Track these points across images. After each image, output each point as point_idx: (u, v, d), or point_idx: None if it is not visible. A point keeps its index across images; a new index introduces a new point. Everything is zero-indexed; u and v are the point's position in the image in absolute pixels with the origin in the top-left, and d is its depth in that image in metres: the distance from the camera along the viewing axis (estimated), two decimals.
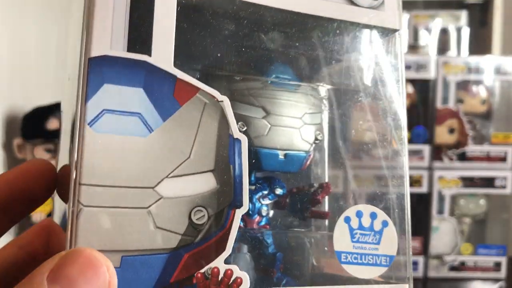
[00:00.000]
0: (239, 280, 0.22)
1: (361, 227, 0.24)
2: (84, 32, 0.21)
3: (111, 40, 0.21)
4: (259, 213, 0.27)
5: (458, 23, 1.41)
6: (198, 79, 0.22)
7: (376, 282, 0.25)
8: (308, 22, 0.25)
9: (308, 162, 0.27)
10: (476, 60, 1.10)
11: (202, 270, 0.22)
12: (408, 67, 1.09)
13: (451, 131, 1.11)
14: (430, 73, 1.09)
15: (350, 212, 0.25)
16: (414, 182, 1.11)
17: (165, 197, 0.21)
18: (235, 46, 0.25)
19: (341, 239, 0.24)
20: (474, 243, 1.14)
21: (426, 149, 1.11)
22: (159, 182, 0.21)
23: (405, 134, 0.26)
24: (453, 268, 1.13)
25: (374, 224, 0.25)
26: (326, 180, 0.29)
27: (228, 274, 0.22)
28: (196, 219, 0.22)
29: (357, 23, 0.25)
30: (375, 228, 0.25)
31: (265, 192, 0.27)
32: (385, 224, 0.25)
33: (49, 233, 0.26)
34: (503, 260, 1.13)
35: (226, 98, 0.23)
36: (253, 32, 0.25)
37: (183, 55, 0.23)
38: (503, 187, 1.10)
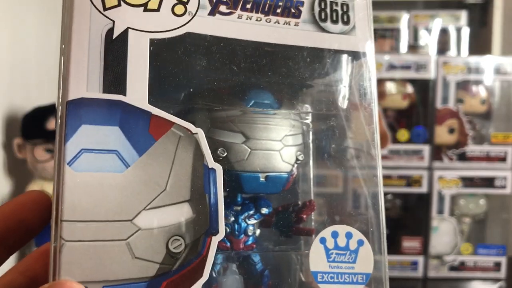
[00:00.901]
0: None
1: (336, 247, 0.25)
2: (61, 76, 0.22)
3: (87, 83, 0.22)
4: (245, 233, 0.27)
5: (458, 23, 1.41)
6: (176, 113, 0.23)
7: None
8: (279, 52, 0.25)
9: (290, 182, 0.28)
10: (476, 60, 1.10)
11: None
12: (408, 67, 1.09)
13: (451, 131, 1.11)
14: (430, 73, 1.09)
15: (326, 233, 0.25)
16: (414, 182, 1.11)
17: (142, 229, 0.22)
18: (208, 80, 0.26)
19: (317, 259, 0.25)
20: (474, 243, 1.14)
21: (426, 149, 1.11)
22: (137, 215, 0.22)
23: (379, 155, 0.26)
24: (453, 268, 1.13)
25: (350, 243, 0.25)
26: (312, 198, 0.29)
27: None
28: (173, 248, 0.22)
29: (327, 49, 0.26)
30: (351, 248, 0.25)
31: (251, 212, 0.27)
32: (360, 243, 0.25)
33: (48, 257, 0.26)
34: (503, 260, 1.13)
35: (201, 130, 0.23)
36: (225, 65, 0.26)
37: (158, 91, 0.23)
38: (503, 187, 1.10)
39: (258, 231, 0.28)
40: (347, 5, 0.27)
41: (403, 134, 1.11)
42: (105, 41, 0.22)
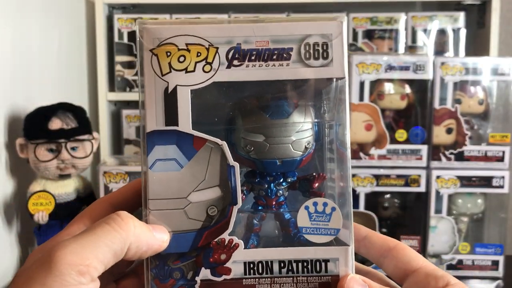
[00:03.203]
0: (237, 244, 0.37)
1: (316, 211, 0.38)
2: (142, 119, 0.37)
3: (156, 121, 0.36)
4: (276, 195, 0.40)
5: (456, 25, 1.42)
6: (208, 132, 0.37)
7: (327, 244, 0.38)
8: (275, 83, 0.38)
9: (305, 162, 0.40)
10: (474, 61, 1.11)
11: (215, 240, 0.37)
12: (406, 68, 1.10)
13: (449, 131, 1.12)
14: (428, 74, 1.10)
15: (309, 203, 0.38)
16: (412, 181, 1.12)
17: (192, 202, 0.37)
18: (230, 106, 0.40)
19: (302, 219, 0.38)
20: (471, 242, 1.15)
21: (424, 149, 1.12)
22: (189, 194, 0.37)
23: (348, 149, 0.38)
24: (451, 267, 1.14)
25: (326, 209, 0.38)
26: (323, 172, 0.41)
27: (230, 241, 0.37)
28: (211, 213, 0.37)
29: (309, 79, 0.38)
30: (326, 212, 0.38)
31: (280, 181, 0.40)
32: (333, 209, 0.38)
33: (137, 193, 0.38)
34: (501, 259, 1.14)
35: (225, 143, 0.37)
36: (239, 95, 0.40)
37: (197, 121, 0.37)
38: (501, 186, 1.11)
39: (287, 193, 0.41)
40: (327, 44, 0.37)
41: (401, 134, 1.12)
42: (164, 95, 0.36)
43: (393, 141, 1.12)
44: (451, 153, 1.12)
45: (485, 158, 1.12)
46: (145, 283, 0.37)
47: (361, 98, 1.10)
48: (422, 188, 1.12)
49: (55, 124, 1.03)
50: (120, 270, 0.39)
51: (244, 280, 0.37)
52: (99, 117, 1.46)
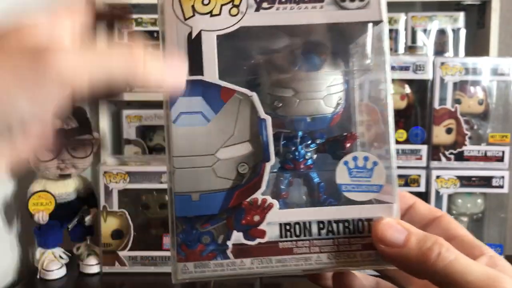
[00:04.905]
0: (271, 204, 0.34)
1: (356, 167, 0.35)
2: None
3: None
4: (304, 157, 0.38)
5: (456, 25, 1.42)
6: (238, 83, 0.34)
7: (371, 202, 0.35)
8: (308, 27, 0.35)
9: (336, 119, 0.37)
10: (474, 61, 1.11)
11: (247, 200, 0.34)
12: (405, 68, 1.10)
13: (449, 131, 1.12)
14: (428, 74, 1.10)
15: (348, 157, 0.35)
16: (412, 181, 1.12)
17: (221, 159, 0.34)
18: (260, 55, 0.37)
19: (341, 176, 0.35)
20: None
21: (424, 149, 1.12)
22: (217, 151, 0.34)
23: (390, 103, 0.36)
24: None
25: (367, 164, 0.35)
26: (354, 131, 0.39)
27: (263, 201, 0.34)
28: (241, 170, 0.34)
29: (343, 27, 0.35)
30: (368, 167, 0.35)
31: (308, 142, 0.38)
32: (375, 163, 0.35)
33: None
34: None
35: (255, 94, 0.34)
36: (268, 47, 0.37)
37: (224, 70, 0.34)
38: (500, 186, 1.11)
39: (315, 156, 0.38)
40: None
41: (401, 134, 1.12)
42: (187, 41, 0.33)
43: None
44: (451, 153, 1.12)
45: (485, 158, 1.12)
46: (170, 250, 0.34)
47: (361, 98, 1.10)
48: (422, 188, 1.12)
49: (55, 124, 1.03)
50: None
51: (280, 243, 0.34)
52: (99, 117, 1.46)
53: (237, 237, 0.34)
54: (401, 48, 1.43)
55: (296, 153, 0.37)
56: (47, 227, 1.06)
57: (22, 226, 1.12)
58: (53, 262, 1.07)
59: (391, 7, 1.53)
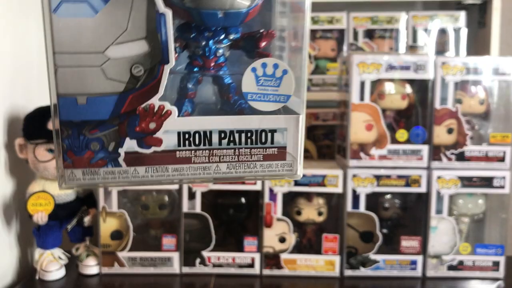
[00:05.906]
0: (169, 112, 0.31)
1: (265, 74, 0.32)
2: None
3: None
4: (215, 54, 0.34)
5: (457, 24, 1.42)
6: None
7: (276, 113, 0.33)
8: None
9: (251, 15, 0.33)
10: (475, 60, 1.11)
11: (143, 106, 0.31)
12: (406, 68, 1.09)
13: (450, 131, 1.11)
14: (429, 74, 1.10)
15: (256, 64, 0.33)
16: (413, 182, 1.11)
17: (112, 58, 0.30)
18: None
19: (248, 84, 0.32)
20: (472, 242, 1.15)
21: (425, 149, 1.11)
22: (107, 48, 0.30)
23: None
24: (451, 268, 1.14)
25: (276, 72, 0.32)
26: (273, 28, 0.35)
27: (161, 108, 0.31)
28: (136, 72, 0.31)
29: None
30: (277, 75, 0.32)
31: (221, 38, 0.34)
32: (285, 72, 0.33)
33: None
34: (502, 259, 1.13)
35: None
36: None
37: None
38: (502, 186, 1.11)
39: (228, 53, 0.35)
40: None
41: (402, 134, 1.12)
42: None
43: (394, 141, 1.12)
44: (452, 153, 1.12)
45: (486, 158, 1.11)
46: (56, 157, 0.31)
47: (362, 98, 1.10)
48: (422, 189, 1.12)
49: None
50: None
51: (178, 152, 0.33)
52: None
53: (130, 144, 0.32)
54: (402, 47, 1.42)
55: (207, 49, 0.34)
56: (46, 227, 1.06)
57: (21, 226, 1.12)
58: (52, 263, 1.07)
59: (392, 6, 1.53)
